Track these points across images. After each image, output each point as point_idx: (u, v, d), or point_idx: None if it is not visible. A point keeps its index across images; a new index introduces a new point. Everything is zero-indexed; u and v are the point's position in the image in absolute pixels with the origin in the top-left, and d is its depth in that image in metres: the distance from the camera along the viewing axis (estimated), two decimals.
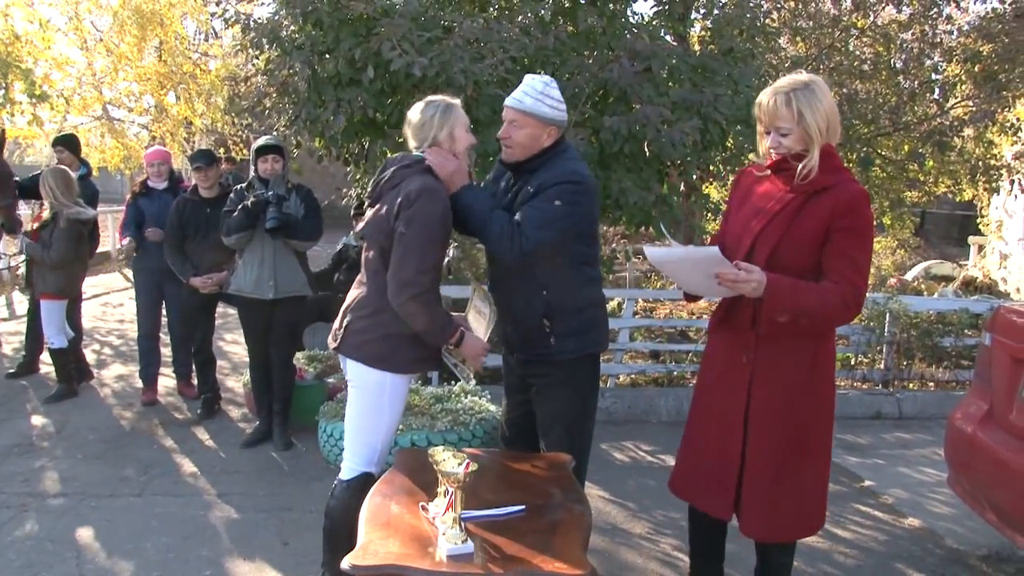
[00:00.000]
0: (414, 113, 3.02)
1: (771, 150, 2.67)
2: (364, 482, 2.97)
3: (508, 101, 3.01)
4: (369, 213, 3.03)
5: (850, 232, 2.55)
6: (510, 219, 2.90)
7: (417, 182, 2.87)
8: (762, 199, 2.71)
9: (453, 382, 5.25)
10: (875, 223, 10.65)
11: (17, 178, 6.49)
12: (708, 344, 2.98)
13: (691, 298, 2.99)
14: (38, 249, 5.75)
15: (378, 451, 3.05)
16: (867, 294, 7.08)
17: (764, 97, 2.65)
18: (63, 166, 6.10)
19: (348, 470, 3.06)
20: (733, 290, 2.56)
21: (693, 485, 2.90)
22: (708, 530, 2.99)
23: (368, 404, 3.01)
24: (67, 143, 6.69)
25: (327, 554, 3.11)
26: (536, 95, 2.95)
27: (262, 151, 4.93)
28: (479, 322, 3.11)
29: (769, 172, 2.72)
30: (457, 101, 3.06)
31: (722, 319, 2.82)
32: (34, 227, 5.86)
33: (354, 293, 3.08)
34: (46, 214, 5.80)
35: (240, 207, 4.83)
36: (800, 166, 2.57)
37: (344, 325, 3.03)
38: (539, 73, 5.65)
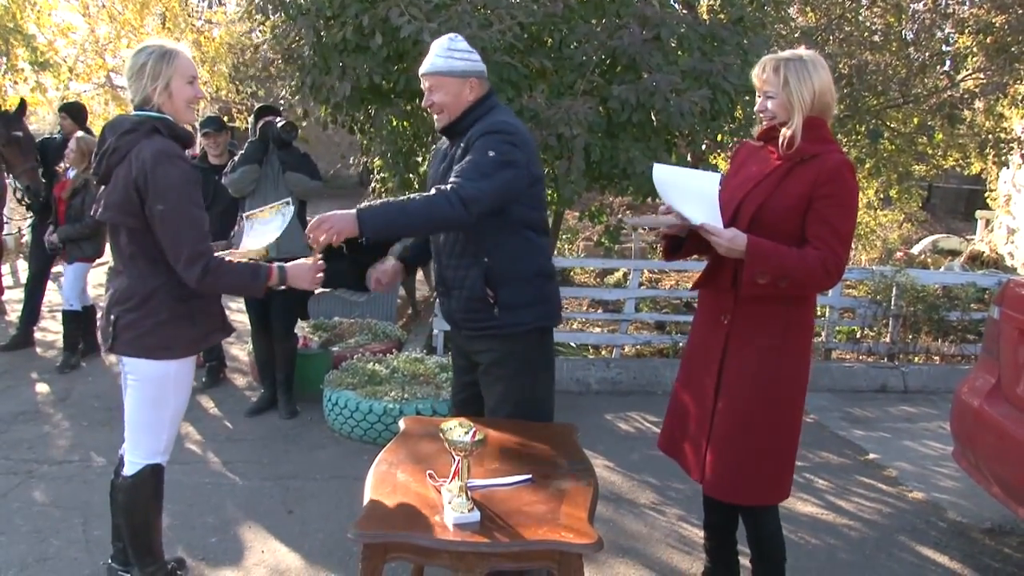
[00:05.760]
0: (128, 58, 2.69)
1: (759, 112, 2.75)
2: (151, 473, 2.87)
3: (420, 71, 2.88)
4: (101, 192, 2.75)
5: (832, 200, 2.59)
6: (441, 187, 2.65)
7: (148, 148, 2.59)
8: (752, 167, 2.78)
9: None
10: (882, 196, 10.63)
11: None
12: (697, 305, 3.02)
13: (671, 255, 2.96)
14: (72, 229, 5.77)
15: (164, 441, 2.89)
16: (874, 267, 7.03)
17: (761, 62, 2.73)
18: (85, 135, 6.01)
19: (132, 465, 2.87)
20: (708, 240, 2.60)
21: (675, 444, 2.95)
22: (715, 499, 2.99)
23: (151, 396, 2.83)
24: (72, 111, 6.65)
25: (133, 552, 2.94)
26: (444, 53, 2.82)
27: (261, 112, 5.14)
28: (263, 236, 2.99)
29: (762, 142, 2.78)
30: (182, 47, 2.73)
31: (707, 278, 2.86)
32: (63, 196, 5.83)
33: (115, 284, 2.82)
34: (77, 182, 5.76)
35: (247, 142, 5.02)
36: (783, 132, 2.62)
37: (112, 322, 2.76)
38: (547, 41, 5.65)
